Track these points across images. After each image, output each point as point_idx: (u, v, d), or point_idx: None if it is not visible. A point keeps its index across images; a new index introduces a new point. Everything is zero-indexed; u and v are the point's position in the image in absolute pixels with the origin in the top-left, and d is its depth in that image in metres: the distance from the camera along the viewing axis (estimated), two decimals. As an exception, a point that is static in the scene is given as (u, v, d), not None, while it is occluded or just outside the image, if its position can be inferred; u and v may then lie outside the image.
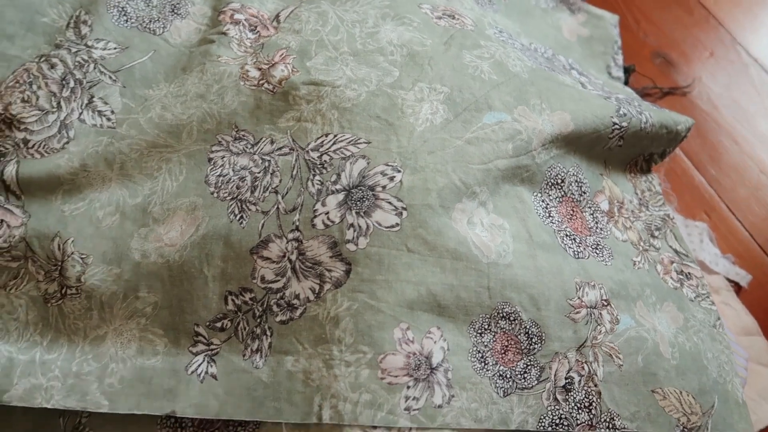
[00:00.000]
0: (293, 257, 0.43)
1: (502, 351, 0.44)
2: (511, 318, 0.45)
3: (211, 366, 0.44)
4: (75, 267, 0.46)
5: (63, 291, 0.46)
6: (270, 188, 0.45)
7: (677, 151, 0.77)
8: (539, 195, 0.51)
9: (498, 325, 0.44)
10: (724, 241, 0.71)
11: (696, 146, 0.79)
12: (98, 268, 0.46)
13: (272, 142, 0.48)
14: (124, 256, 0.46)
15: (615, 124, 0.55)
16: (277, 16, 0.56)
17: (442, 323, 0.43)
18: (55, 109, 0.51)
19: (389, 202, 0.44)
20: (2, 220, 0.47)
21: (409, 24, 0.55)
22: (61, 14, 0.55)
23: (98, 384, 0.43)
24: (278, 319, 0.43)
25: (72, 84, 0.51)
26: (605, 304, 0.48)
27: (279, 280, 0.43)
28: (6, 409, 0.44)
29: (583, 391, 0.45)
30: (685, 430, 0.46)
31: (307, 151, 0.46)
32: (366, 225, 0.43)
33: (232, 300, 0.44)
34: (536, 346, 0.45)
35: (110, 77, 0.52)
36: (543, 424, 0.44)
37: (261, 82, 0.50)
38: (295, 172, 0.45)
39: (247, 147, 0.48)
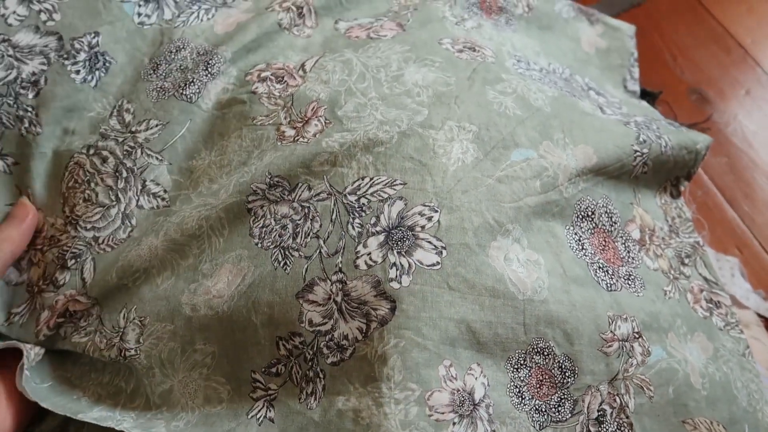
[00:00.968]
0: (338, 299, 0.46)
1: (538, 385, 0.47)
2: (545, 353, 0.48)
3: (270, 411, 0.47)
4: (135, 330, 0.51)
5: (123, 354, 0.51)
6: (311, 234, 0.49)
7: (710, 186, 0.80)
8: (571, 228, 0.54)
9: (533, 360, 0.48)
10: (756, 277, 0.74)
11: (730, 182, 0.81)
12: (153, 327, 0.51)
13: (309, 188, 0.51)
14: (176, 312, 0.50)
15: (636, 151, 0.59)
16: (303, 65, 0.60)
17: (482, 359, 0.47)
18: (114, 202, 0.55)
19: (429, 242, 0.47)
20: (80, 310, 0.54)
21: (431, 65, 0.58)
22: (105, 106, 0.59)
23: (165, 424, 0.48)
24: (329, 361, 0.46)
25: (125, 174, 0.55)
26: (637, 336, 0.51)
27: (327, 323, 0.46)
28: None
29: (615, 423, 0.48)
30: (716, 459, 0.49)
31: (345, 195, 0.49)
32: (408, 264, 0.46)
33: (283, 345, 0.48)
34: (569, 379, 0.48)
35: (157, 158, 0.56)
36: (577, 455, 0.47)
37: (296, 138, 0.54)
38: (334, 216, 0.49)
39: (284, 194, 0.51)
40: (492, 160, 0.52)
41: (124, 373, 0.53)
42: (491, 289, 0.47)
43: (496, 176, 0.51)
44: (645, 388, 0.50)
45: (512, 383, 0.47)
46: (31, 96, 0.56)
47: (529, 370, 0.48)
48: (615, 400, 0.49)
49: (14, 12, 0.57)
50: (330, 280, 0.47)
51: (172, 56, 0.60)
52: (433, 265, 0.46)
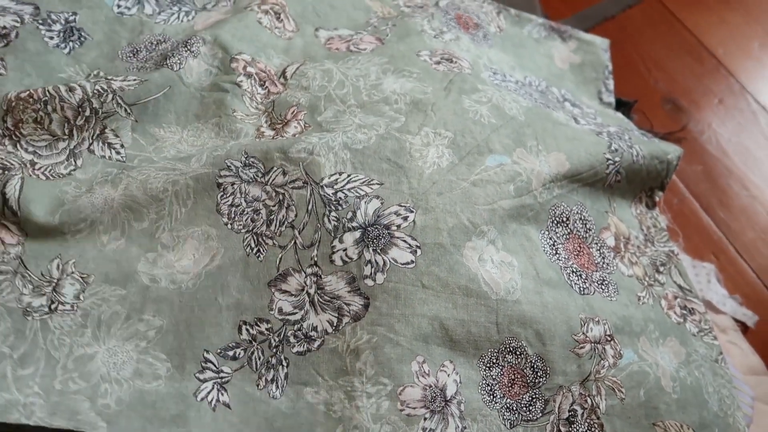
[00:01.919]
0: (312, 291, 0.48)
1: (509, 384, 0.49)
2: (518, 352, 0.50)
3: (222, 394, 0.48)
4: (74, 285, 0.50)
5: (53, 306, 0.49)
6: (286, 223, 0.51)
7: (686, 194, 0.83)
8: (546, 233, 0.57)
9: (505, 359, 0.50)
10: (732, 282, 0.77)
11: (705, 190, 0.85)
12: (100, 287, 0.50)
13: (284, 173, 0.52)
14: (130, 278, 0.51)
15: (609, 159, 0.62)
16: (284, 72, 0.63)
17: (455, 357, 0.49)
18: (66, 137, 0.54)
19: (404, 241, 0.49)
20: None
21: (409, 75, 0.62)
22: (78, 72, 0.60)
23: (90, 404, 0.46)
24: (295, 350, 0.48)
25: (87, 113, 0.55)
26: (609, 339, 0.53)
27: (297, 313, 0.48)
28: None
29: (586, 424, 0.50)
30: (686, 462, 0.51)
31: (322, 187, 0.51)
32: (383, 261, 0.48)
33: (247, 329, 0.49)
34: (541, 379, 0.50)
35: (126, 110, 0.56)
36: (548, 454, 0.49)
37: (275, 137, 0.57)
38: (310, 207, 0.51)
39: (257, 175, 0.53)
40: (467, 165, 0.54)
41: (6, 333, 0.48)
42: (464, 288, 0.49)
43: (471, 180, 0.54)
44: (616, 390, 0.52)
45: (484, 381, 0.49)
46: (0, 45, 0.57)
47: (501, 369, 0.49)
48: (586, 401, 0.50)
49: None
50: (305, 273, 0.49)
51: (153, 47, 0.62)
52: (408, 263, 0.49)
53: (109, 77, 0.57)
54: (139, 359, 0.48)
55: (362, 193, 0.51)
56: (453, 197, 0.52)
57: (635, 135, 0.69)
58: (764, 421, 0.65)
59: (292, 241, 0.50)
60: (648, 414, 0.52)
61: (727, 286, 0.76)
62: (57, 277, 0.50)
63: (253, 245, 0.50)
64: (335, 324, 0.47)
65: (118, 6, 0.64)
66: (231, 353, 0.49)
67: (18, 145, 0.53)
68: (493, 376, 0.49)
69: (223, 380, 0.48)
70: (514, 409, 0.49)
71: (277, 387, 0.47)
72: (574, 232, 0.59)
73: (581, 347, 0.51)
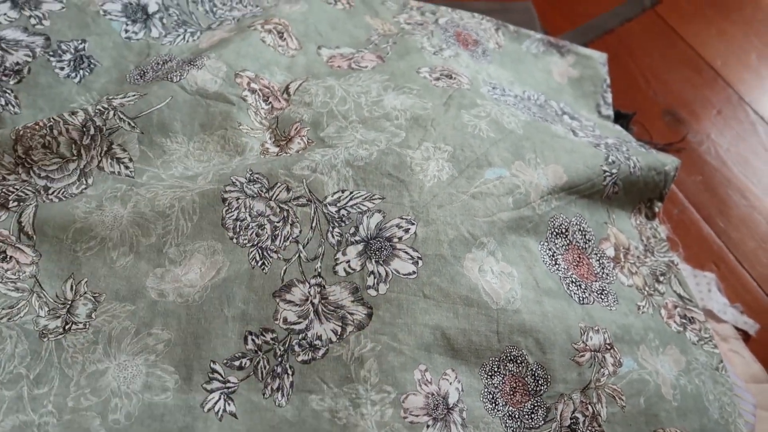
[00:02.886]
0: (316, 301, 0.51)
1: (511, 392, 0.51)
2: (519, 361, 0.51)
3: (229, 404, 0.49)
4: (87, 305, 0.52)
5: (67, 327, 0.51)
6: (290, 238, 0.53)
7: (686, 204, 0.85)
8: (545, 244, 0.59)
9: (507, 367, 0.51)
10: (733, 291, 0.78)
11: (705, 200, 0.88)
12: (111, 305, 0.52)
13: (288, 190, 0.55)
14: (139, 294, 0.53)
15: (606, 171, 0.64)
16: (287, 88, 0.66)
17: (456, 365, 0.51)
18: (75, 158, 0.57)
19: (406, 252, 0.52)
20: (12, 257, 0.53)
21: (409, 92, 0.64)
22: (89, 100, 0.63)
23: (101, 420, 0.48)
24: (300, 358, 0.50)
25: (92, 131, 0.57)
26: (609, 347, 0.55)
27: (301, 322, 0.50)
28: None
29: (588, 431, 0.51)
30: (687, 468, 0.53)
31: (325, 205, 0.54)
32: (385, 272, 0.51)
33: (252, 340, 0.51)
34: (542, 387, 0.51)
35: (129, 123, 0.58)
36: (550, 461, 0.51)
37: (280, 154, 0.59)
38: (314, 224, 0.53)
39: (261, 190, 0.55)
40: (466, 178, 0.57)
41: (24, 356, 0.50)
42: (465, 298, 0.51)
43: (471, 192, 0.56)
44: (617, 398, 0.53)
45: (486, 389, 0.50)
46: (12, 82, 0.60)
47: (503, 377, 0.51)
48: (587, 408, 0.52)
49: (5, 14, 0.62)
50: (308, 283, 0.51)
51: (159, 66, 0.65)
52: (410, 274, 0.51)
53: (110, 97, 0.60)
54: (149, 372, 0.50)
55: (365, 208, 0.53)
56: (453, 210, 0.54)
57: (633, 147, 0.71)
58: (766, 429, 0.67)
59: (297, 255, 0.52)
60: (649, 421, 0.54)
61: (728, 295, 0.78)
62: (71, 298, 0.52)
63: (258, 258, 0.53)
64: (339, 333, 0.49)
65: (126, 31, 0.67)
66: (237, 363, 0.50)
67: (31, 172, 0.56)
68: (495, 385, 0.51)
69: (230, 390, 0.50)
70: (517, 417, 0.51)
71: (283, 395, 0.49)
72: (574, 243, 0.61)
73: (581, 356, 0.53)
